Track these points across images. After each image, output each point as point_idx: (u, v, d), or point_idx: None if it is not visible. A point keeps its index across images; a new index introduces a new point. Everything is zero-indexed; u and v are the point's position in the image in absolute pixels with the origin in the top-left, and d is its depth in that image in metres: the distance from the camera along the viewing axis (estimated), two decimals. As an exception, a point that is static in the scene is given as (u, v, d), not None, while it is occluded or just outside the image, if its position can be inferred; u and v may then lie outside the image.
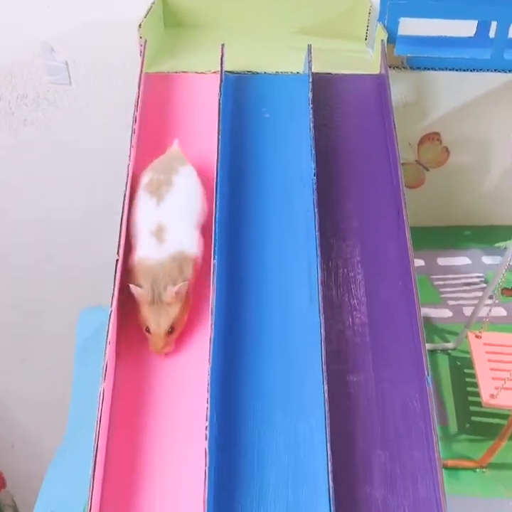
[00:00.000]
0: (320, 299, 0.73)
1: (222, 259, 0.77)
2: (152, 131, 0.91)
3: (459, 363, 1.03)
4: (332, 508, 0.62)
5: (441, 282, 1.21)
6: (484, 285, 1.19)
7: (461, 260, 1.27)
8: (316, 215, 0.79)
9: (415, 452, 0.68)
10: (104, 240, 1.33)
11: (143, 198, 0.79)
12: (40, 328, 1.58)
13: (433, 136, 1.31)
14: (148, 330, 0.73)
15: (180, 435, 0.70)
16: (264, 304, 0.76)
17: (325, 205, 0.84)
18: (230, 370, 0.72)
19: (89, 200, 1.37)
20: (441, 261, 1.27)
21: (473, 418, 0.94)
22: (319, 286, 0.74)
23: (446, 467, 0.85)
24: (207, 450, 0.63)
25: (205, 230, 0.79)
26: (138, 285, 0.72)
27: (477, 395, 0.92)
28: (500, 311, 1.13)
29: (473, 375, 0.95)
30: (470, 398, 0.97)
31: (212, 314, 0.71)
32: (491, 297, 0.99)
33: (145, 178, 0.81)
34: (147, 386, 0.73)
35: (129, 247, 0.77)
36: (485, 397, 0.87)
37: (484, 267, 1.24)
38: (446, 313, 1.14)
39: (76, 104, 1.30)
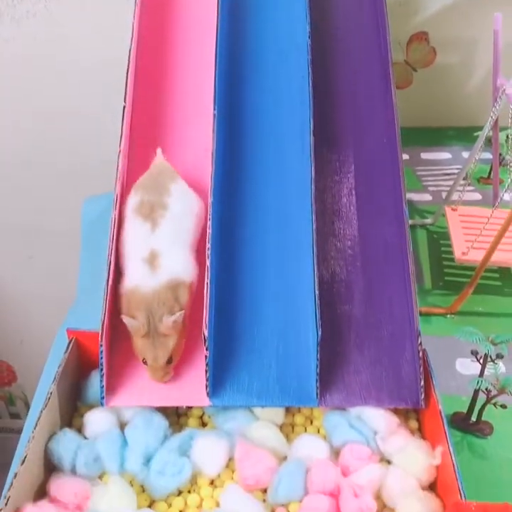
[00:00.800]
0: (311, 150, 0.81)
1: (221, 112, 0.84)
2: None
3: (435, 236, 1.12)
4: (318, 319, 0.71)
5: (424, 173, 1.30)
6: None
7: (443, 155, 1.36)
8: (310, 75, 0.85)
9: (393, 277, 0.78)
10: (104, 133, 1.39)
11: (134, 222, 0.74)
12: (47, 224, 1.60)
13: (421, 36, 1.36)
14: (145, 362, 0.70)
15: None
16: (262, 153, 0.84)
17: (318, 74, 0.90)
18: (230, 212, 0.81)
19: (92, 91, 1.41)
20: (425, 155, 1.36)
21: (446, 278, 1.04)
22: (311, 139, 0.82)
23: (420, 314, 0.94)
24: (208, 267, 0.71)
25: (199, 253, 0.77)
26: (131, 316, 0.69)
27: (451, 260, 1.02)
28: (476, 196, 1.22)
29: (448, 245, 1.04)
30: (444, 263, 1.06)
31: (213, 158, 0.78)
32: (465, 178, 1.08)
33: (134, 199, 0.76)
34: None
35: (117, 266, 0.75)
36: (457, 255, 0.97)
37: (464, 161, 1.31)
38: (427, 197, 1.23)
39: (78, -4, 1.32)
